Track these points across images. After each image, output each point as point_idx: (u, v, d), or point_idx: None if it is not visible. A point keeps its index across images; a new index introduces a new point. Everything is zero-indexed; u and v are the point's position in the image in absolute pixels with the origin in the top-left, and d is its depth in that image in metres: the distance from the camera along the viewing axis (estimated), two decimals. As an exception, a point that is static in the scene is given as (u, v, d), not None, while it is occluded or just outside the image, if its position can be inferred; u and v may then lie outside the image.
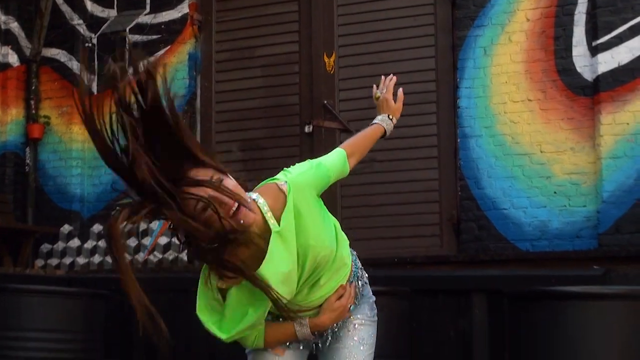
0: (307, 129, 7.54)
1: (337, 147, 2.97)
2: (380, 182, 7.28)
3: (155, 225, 7.96)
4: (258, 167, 7.75)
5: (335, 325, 2.89)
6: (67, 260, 8.26)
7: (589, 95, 6.71)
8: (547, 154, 6.78)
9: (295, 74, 7.76)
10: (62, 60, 8.62)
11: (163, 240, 7.91)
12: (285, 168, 2.79)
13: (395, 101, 3.24)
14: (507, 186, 6.86)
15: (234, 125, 7.94)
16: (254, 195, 2.67)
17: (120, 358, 6.53)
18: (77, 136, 8.40)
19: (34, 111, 8.58)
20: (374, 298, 3.05)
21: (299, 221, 2.66)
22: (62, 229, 8.31)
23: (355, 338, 2.91)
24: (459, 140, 7.04)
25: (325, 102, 7.53)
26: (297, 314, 2.75)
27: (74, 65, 8.54)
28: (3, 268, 7.74)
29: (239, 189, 2.54)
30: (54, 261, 8.31)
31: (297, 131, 7.64)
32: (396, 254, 6.91)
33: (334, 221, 2.88)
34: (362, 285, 2.99)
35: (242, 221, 2.47)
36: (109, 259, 8.14)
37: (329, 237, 2.75)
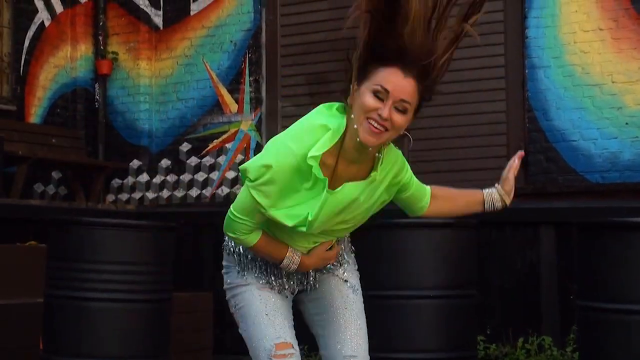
0: (373, 61, 7.48)
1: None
2: (447, 115, 7.22)
3: (222, 160, 8.04)
4: (324, 101, 7.68)
5: (316, 274, 2.88)
6: (137, 195, 8.40)
7: (662, 23, 6.54)
8: (618, 84, 6.65)
9: (361, 5, 7.67)
10: (128, -5, 8.67)
11: (231, 174, 7.98)
12: None
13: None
14: (576, 117, 6.75)
15: (299, 59, 7.92)
16: None
17: (190, 290, 6.65)
18: (144, 72, 8.48)
19: (102, 47, 8.66)
20: (354, 253, 3.04)
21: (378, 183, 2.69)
22: (131, 164, 8.44)
23: (348, 284, 2.90)
24: (527, 71, 6.93)
25: (391, 34, 7.45)
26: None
27: (140, 0, 8.57)
28: (76, 203, 7.91)
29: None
30: (124, 196, 8.46)
31: (363, 64, 7.58)
32: (462, 186, 6.87)
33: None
34: (348, 241, 2.98)
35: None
36: (177, 193, 8.26)
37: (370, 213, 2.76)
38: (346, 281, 2.90)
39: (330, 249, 2.83)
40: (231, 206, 2.70)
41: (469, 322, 5.14)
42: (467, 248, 5.14)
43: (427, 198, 2.91)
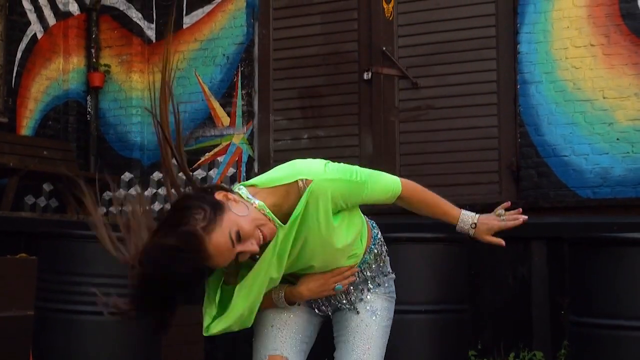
0: (366, 76, 7.50)
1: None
2: (439, 129, 7.23)
3: (214, 173, 8.03)
4: (316, 114, 7.76)
5: (350, 297, 2.82)
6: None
7: (653, 39, 6.57)
8: (610, 99, 6.67)
9: (354, 20, 7.70)
10: (121, 8, 8.68)
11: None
12: (327, 161, 2.64)
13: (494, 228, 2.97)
14: (567, 133, 6.77)
15: (292, 73, 7.93)
16: (257, 201, 2.55)
17: (181, 303, 6.63)
18: (136, 84, 8.48)
19: (94, 60, 8.66)
20: (393, 276, 2.97)
21: (305, 218, 2.58)
22: (122, 176, 8.43)
23: (368, 307, 2.84)
24: (518, 86, 6.95)
25: (384, 48, 7.47)
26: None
27: (133, 13, 8.58)
28: (67, 215, 7.88)
29: (253, 214, 2.51)
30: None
31: (356, 78, 7.61)
32: (454, 201, 6.84)
33: (356, 217, 2.77)
34: (383, 262, 2.92)
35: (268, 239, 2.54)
36: (169, 206, 8.22)
37: (340, 237, 2.66)
38: (366, 306, 2.84)
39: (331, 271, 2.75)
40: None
41: (461, 337, 5.13)
42: (459, 263, 5.13)
43: (392, 198, 2.84)
